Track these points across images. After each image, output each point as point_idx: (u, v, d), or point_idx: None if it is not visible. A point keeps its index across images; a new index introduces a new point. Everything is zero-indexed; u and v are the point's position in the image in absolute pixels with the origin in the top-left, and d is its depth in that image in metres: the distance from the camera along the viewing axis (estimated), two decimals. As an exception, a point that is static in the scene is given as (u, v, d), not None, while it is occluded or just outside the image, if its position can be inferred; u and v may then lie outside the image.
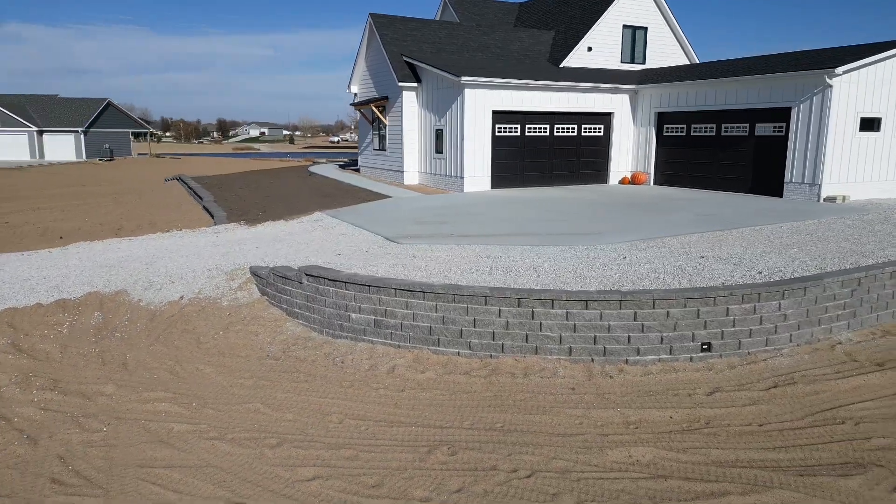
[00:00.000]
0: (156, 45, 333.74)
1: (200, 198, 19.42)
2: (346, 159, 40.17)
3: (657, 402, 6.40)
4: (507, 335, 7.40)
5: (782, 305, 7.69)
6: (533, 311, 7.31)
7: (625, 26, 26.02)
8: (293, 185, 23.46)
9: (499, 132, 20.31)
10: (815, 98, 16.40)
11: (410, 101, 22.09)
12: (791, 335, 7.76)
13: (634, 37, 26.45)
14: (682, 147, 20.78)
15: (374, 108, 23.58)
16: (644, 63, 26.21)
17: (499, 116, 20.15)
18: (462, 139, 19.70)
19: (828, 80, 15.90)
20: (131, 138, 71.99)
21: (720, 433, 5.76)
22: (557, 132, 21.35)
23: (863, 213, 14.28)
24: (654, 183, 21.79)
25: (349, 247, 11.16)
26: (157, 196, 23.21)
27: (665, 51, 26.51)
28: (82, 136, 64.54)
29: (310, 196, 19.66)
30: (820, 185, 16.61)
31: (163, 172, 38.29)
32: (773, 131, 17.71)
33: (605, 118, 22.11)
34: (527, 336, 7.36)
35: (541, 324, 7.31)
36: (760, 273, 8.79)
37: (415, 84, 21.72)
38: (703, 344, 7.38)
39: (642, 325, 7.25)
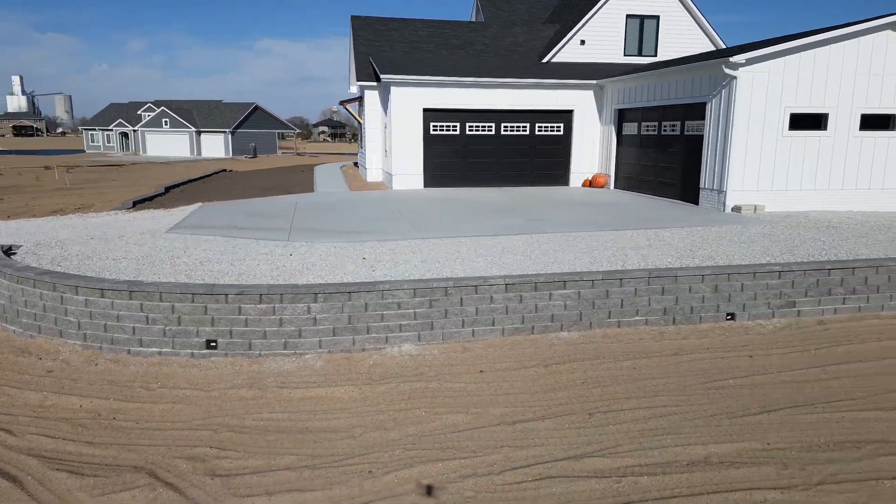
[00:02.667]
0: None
1: (167, 188, 21.58)
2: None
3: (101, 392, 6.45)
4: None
5: (312, 308, 7.14)
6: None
7: (629, 16, 23.92)
8: (270, 179, 25.01)
9: (434, 131, 19.92)
10: (723, 92, 14.01)
11: (371, 100, 22.46)
12: (321, 340, 7.17)
13: (642, 27, 24.20)
14: (635, 147, 18.73)
15: (347, 108, 24.31)
16: (655, 55, 23.90)
17: (432, 115, 19.77)
18: (392, 137, 19.71)
19: (725, 70, 13.51)
20: (277, 138, 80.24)
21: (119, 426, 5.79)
22: (505, 131, 20.35)
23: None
24: (616, 186, 19.86)
25: (128, 232, 12.01)
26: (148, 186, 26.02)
27: (684, 40, 23.86)
28: (230, 135, 73.09)
29: (251, 188, 21.01)
30: (725, 193, 14.14)
31: (256, 165, 42.29)
32: (695, 130, 15.38)
33: (564, 116, 20.59)
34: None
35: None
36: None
37: (374, 84, 22.03)
38: (208, 341, 7.13)
39: (147, 317, 7.20)
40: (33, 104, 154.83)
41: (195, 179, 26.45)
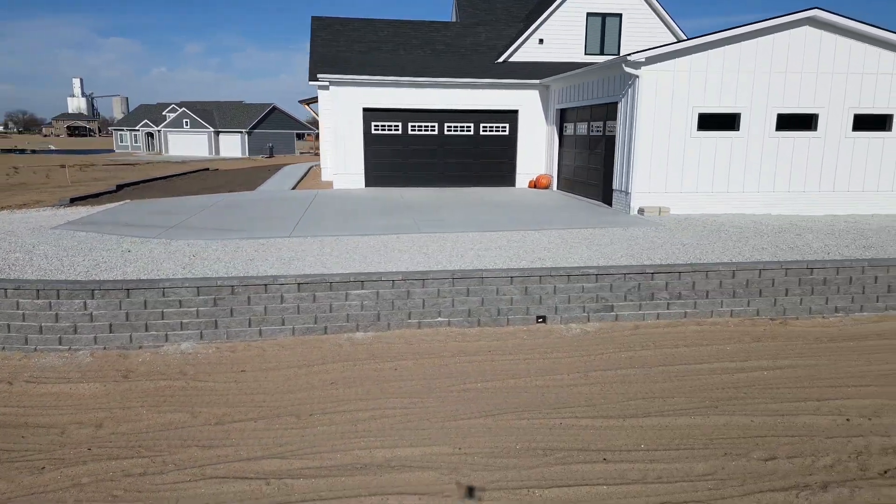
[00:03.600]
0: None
1: (120, 186, 22.08)
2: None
3: None
4: None
5: (89, 305, 7.21)
6: None
7: (590, 14, 23.53)
8: (233, 178, 25.37)
9: (375, 130, 19.90)
10: (629, 92, 13.64)
11: (324, 100, 22.57)
12: (97, 336, 7.23)
13: (604, 26, 23.77)
14: (572, 148, 18.38)
15: (307, 107, 24.48)
16: (618, 53, 23.42)
17: (373, 114, 19.75)
18: (333, 136, 19.78)
19: (626, 69, 13.15)
20: (295, 138, 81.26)
21: None
22: (448, 131, 20.21)
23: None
24: (558, 187, 19.54)
25: (20, 228, 12.32)
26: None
27: (649, 39, 23.29)
28: (246, 136, 74.39)
29: (200, 187, 21.35)
30: (630, 195, 13.77)
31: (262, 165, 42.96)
32: (612, 131, 15.01)
33: (510, 116, 20.35)
34: None
35: None
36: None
37: (327, 84, 22.14)
38: None
39: None
40: (92, 105, 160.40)
41: (164, 177, 26.96)
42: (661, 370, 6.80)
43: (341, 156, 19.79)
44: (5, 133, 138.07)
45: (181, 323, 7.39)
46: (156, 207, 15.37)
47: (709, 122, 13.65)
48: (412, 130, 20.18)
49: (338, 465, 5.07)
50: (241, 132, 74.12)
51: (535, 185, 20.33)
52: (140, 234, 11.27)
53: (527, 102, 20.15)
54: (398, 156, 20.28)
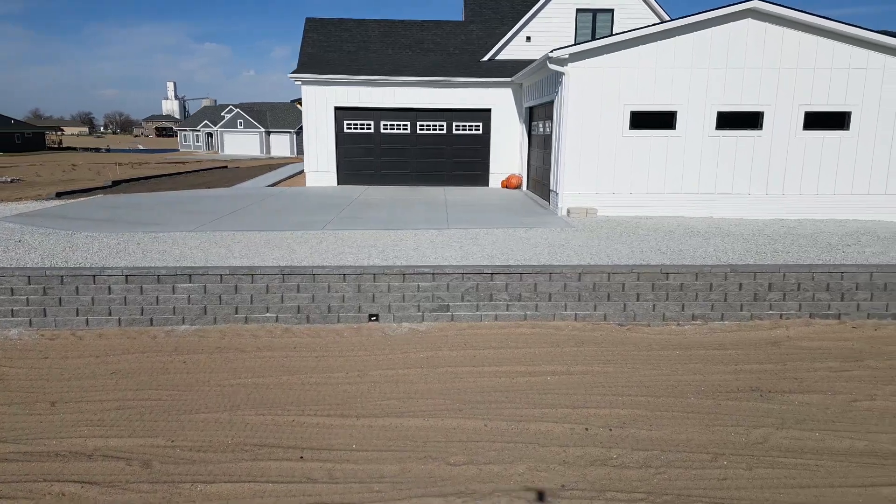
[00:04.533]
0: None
1: (116, 182, 23.25)
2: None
3: None
4: None
5: (-71, 291, 7.68)
6: None
7: (580, 10, 22.94)
8: (229, 175, 26.17)
9: (347, 129, 20.13)
10: (560, 90, 13.24)
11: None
12: (-65, 322, 7.69)
13: (595, 22, 23.10)
14: (535, 147, 18.00)
15: (299, 106, 24.94)
16: (611, 52, 22.76)
17: (345, 113, 19.99)
18: (305, 134, 20.15)
19: (550, 66, 12.77)
20: None
21: None
22: (421, 130, 20.20)
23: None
24: (527, 187, 19.19)
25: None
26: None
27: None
28: (294, 135, 76.71)
29: (187, 184, 22.21)
30: (559, 195, 13.36)
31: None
32: (548, 130, 14.61)
33: (483, 115, 20.14)
34: None
35: None
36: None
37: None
38: None
39: None
40: (184, 107, 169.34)
41: (175, 174, 28.22)
42: (443, 371, 6.61)
43: (313, 154, 20.13)
44: (102, 133, 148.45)
45: (12, 310, 7.77)
46: (119, 202, 16.13)
47: (643, 120, 13.09)
48: (384, 129, 20.30)
49: (46, 452, 5.23)
50: (289, 132, 76.48)
51: (506, 184, 20.04)
52: (61, 226, 11.87)
53: (500, 101, 19.90)
54: (370, 154, 20.44)
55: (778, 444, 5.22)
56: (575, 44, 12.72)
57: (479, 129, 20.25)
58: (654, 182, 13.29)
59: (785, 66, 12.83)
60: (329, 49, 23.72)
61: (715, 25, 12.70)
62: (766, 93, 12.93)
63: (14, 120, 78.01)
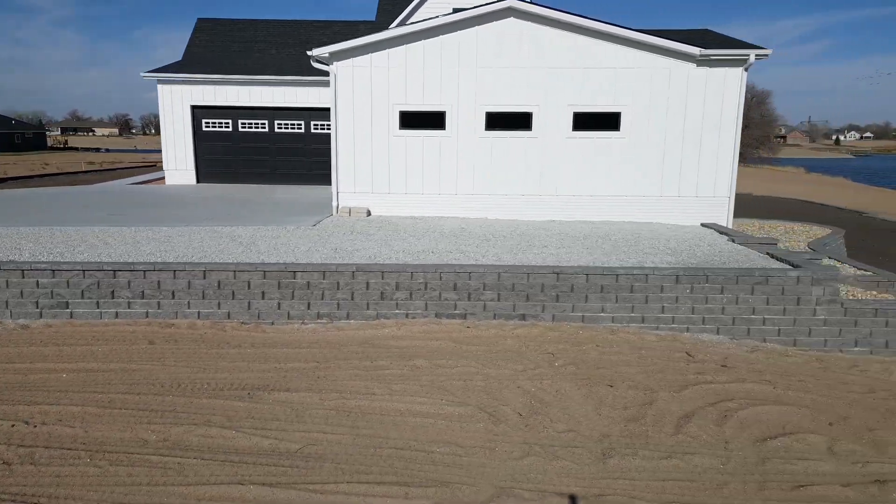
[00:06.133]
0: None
1: (6, 178, 23.60)
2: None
3: None
4: None
5: None
6: None
7: (456, 9, 22.70)
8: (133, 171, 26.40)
9: (206, 127, 20.26)
10: (332, 88, 13.20)
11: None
12: None
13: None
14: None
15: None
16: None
17: (203, 112, 20.12)
18: (164, 133, 20.30)
19: (314, 64, 12.79)
20: None
21: None
22: (279, 129, 20.29)
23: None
24: (379, 188, 19.16)
25: None
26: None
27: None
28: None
29: (88, 178, 22.45)
30: (337, 194, 13.34)
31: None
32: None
33: (340, 115, 20.15)
34: None
35: None
36: None
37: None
38: None
39: None
40: None
41: (76, 172, 28.60)
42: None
43: (172, 153, 20.27)
44: (133, 134, 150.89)
45: None
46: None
47: (413, 120, 13.05)
48: (243, 128, 20.41)
49: None
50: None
51: (363, 184, 20.04)
52: None
53: (356, 101, 19.91)
54: (229, 153, 20.55)
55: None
56: (338, 41, 12.70)
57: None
58: (429, 183, 13.24)
59: (553, 66, 12.73)
60: (214, 49, 23.84)
61: (480, 24, 12.65)
62: (535, 93, 12.84)
63: (14, 120, 79.59)
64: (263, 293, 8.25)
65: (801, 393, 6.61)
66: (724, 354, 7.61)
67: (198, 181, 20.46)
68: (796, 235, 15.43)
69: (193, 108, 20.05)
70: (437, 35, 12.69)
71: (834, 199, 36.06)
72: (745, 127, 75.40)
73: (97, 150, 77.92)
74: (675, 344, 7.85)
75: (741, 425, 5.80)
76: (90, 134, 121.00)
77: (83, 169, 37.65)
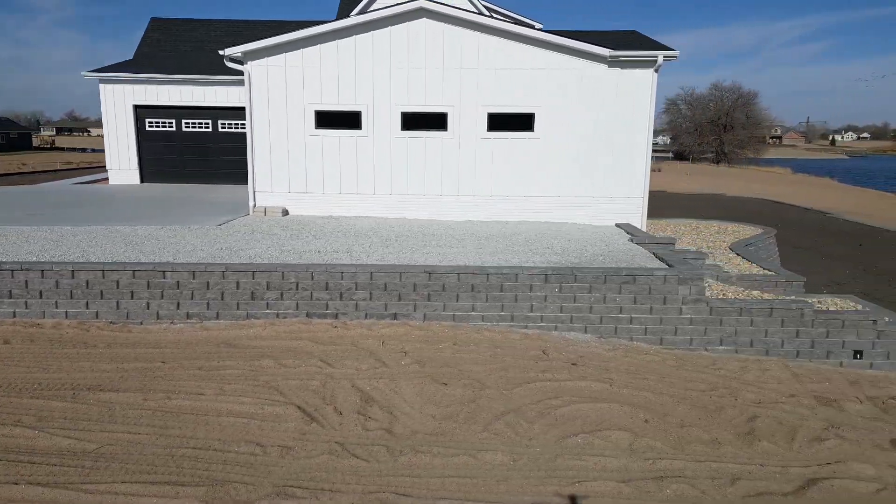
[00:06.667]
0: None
1: None
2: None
3: None
4: None
5: None
6: None
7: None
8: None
9: (149, 127, 20.23)
10: (247, 87, 13.17)
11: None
12: None
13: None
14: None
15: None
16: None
17: (146, 111, 20.08)
18: (107, 132, 20.27)
19: (227, 63, 12.80)
20: None
21: None
22: (223, 128, 20.27)
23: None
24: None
25: None
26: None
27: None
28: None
29: (38, 178, 22.39)
30: (255, 193, 13.35)
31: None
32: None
33: (285, 114, 20.17)
34: None
35: None
36: None
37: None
38: None
39: None
40: None
41: (31, 172, 28.50)
42: None
43: (115, 152, 20.22)
44: None
45: None
46: None
47: (329, 120, 13.07)
48: (187, 127, 20.38)
49: None
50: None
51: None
52: None
53: (300, 100, 19.92)
54: (173, 152, 20.52)
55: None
56: (252, 41, 12.71)
57: (282, 129, 20.29)
58: (347, 182, 13.27)
59: (467, 66, 12.78)
60: (164, 48, 23.79)
61: (393, 25, 12.68)
62: (450, 93, 12.89)
63: (2, 119, 79.06)
64: (132, 293, 8.26)
65: (636, 391, 6.68)
66: (580, 353, 7.68)
67: (142, 181, 20.42)
68: (726, 235, 15.57)
69: (136, 107, 20.00)
70: (351, 35, 12.72)
71: (807, 199, 36.38)
72: (731, 128, 74.96)
73: (83, 150, 77.30)
74: (537, 342, 7.91)
75: (555, 422, 5.87)
76: (85, 134, 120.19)
77: (58, 168, 37.67)
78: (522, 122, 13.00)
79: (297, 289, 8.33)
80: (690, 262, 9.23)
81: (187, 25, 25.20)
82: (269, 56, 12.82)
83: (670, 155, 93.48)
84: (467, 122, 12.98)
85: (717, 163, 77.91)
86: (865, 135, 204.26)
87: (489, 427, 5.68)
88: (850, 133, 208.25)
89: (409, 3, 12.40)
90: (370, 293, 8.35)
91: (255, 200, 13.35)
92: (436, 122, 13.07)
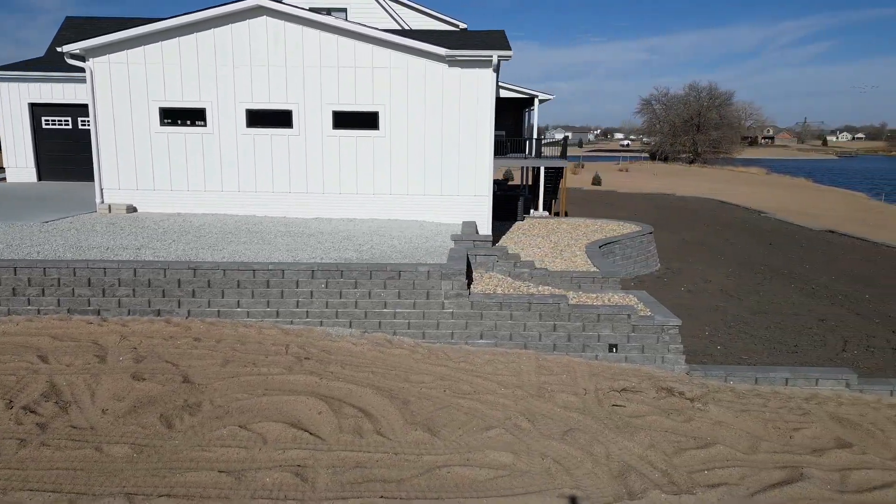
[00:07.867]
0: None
1: None
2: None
3: None
4: None
5: None
6: None
7: (313, 9, 22.66)
8: None
9: (46, 125, 20.14)
10: (90, 84, 13.13)
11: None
12: None
13: (334, 22, 23.09)
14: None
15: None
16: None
17: (43, 109, 20.00)
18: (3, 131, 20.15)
19: (68, 61, 12.77)
20: None
21: None
22: (120, 127, 20.22)
23: None
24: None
25: None
26: None
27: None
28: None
29: None
30: (103, 190, 13.32)
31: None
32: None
33: (182, 113, 20.14)
34: None
35: None
36: None
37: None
38: None
39: None
40: None
41: None
42: None
43: (11, 150, 20.12)
44: None
45: None
46: None
47: (174, 116, 13.07)
48: (83, 125, 20.30)
49: None
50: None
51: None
52: None
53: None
54: (70, 150, 20.42)
55: None
56: (90, 38, 12.69)
57: (180, 127, 20.26)
58: (194, 180, 13.27)
59: (310, 64, 12.81)
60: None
61: (234, 22, 12.69)
62: (294, 91, 12.91)
63: None
64: None
65: (345, 384, 6.74)
66: (326, 348, 7.73)
67: (39, 179, 20.34)
68: (598, 234, 15.77)
69: (32, 105, 19.92)
70: (192, 32, 12.72)
71: (755, 200, 36.82)
72: (704, 129, 74.64)
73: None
74: (291, 338, 7.96)
75: (225, 414, 5.91)
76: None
77: None
78: (367, 120, 13.06)
79: (58, 285, 8.33)
80: (460, 259, 9.30)
81: (100, 24, 25.05)
82: (111, 53, 12.79)
83: (645, 155, 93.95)
84: (313, 119, 13.02)
85: (691, 163, 78.21)
86: (861, 135, 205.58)
87: (142, 420, 5.72)
88: (845, 133, 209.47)
89: (248, 1, 12.42)
90: (133, 290, 8.36)
91: (102, 197, 13.32)
92: (282, 119, 13.09)
